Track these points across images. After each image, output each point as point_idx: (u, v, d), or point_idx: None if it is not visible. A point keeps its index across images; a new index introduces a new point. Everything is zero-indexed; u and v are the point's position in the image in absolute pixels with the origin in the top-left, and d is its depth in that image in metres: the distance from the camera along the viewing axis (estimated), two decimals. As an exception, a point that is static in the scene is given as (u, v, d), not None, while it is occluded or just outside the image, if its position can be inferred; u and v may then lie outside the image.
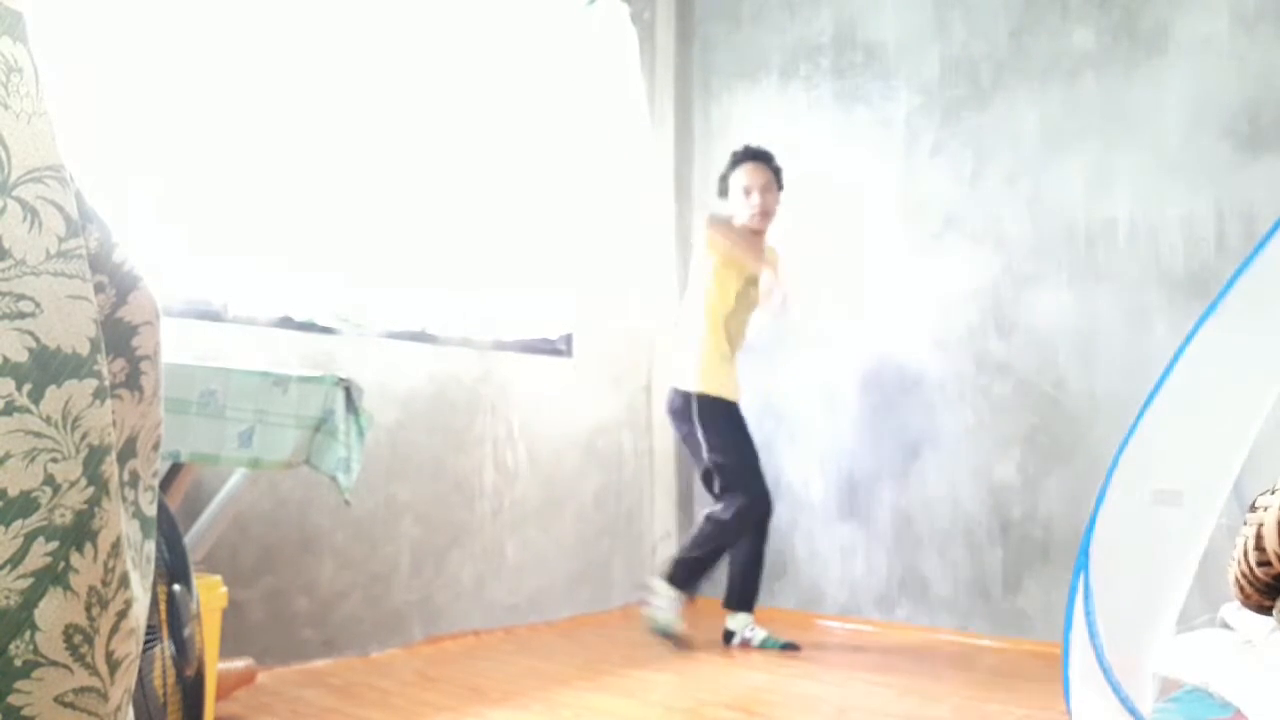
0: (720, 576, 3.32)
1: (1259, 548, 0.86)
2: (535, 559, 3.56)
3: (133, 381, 0.68)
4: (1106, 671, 1.72)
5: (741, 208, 3.31)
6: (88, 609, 0.57)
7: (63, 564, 0.56)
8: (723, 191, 3.40)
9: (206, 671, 1.45)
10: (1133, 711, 1.63)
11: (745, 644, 3.19)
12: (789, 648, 3.14)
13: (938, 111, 3.57)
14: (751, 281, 3.27)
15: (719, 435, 3.27)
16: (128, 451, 0.68)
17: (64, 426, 0.56)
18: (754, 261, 3.23)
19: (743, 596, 3.25)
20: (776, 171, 3.36)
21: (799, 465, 3.81)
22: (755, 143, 3.44)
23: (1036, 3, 3.37)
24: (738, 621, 3.24)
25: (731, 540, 3.22)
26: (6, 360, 0.54)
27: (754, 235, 3.31)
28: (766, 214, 3.31)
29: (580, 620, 3.53)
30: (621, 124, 4.08)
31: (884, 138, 3.69)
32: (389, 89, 3.25)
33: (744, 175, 3.32)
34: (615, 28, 4.08)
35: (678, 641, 3.13)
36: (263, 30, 2.91)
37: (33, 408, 0.55)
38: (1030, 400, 3.30)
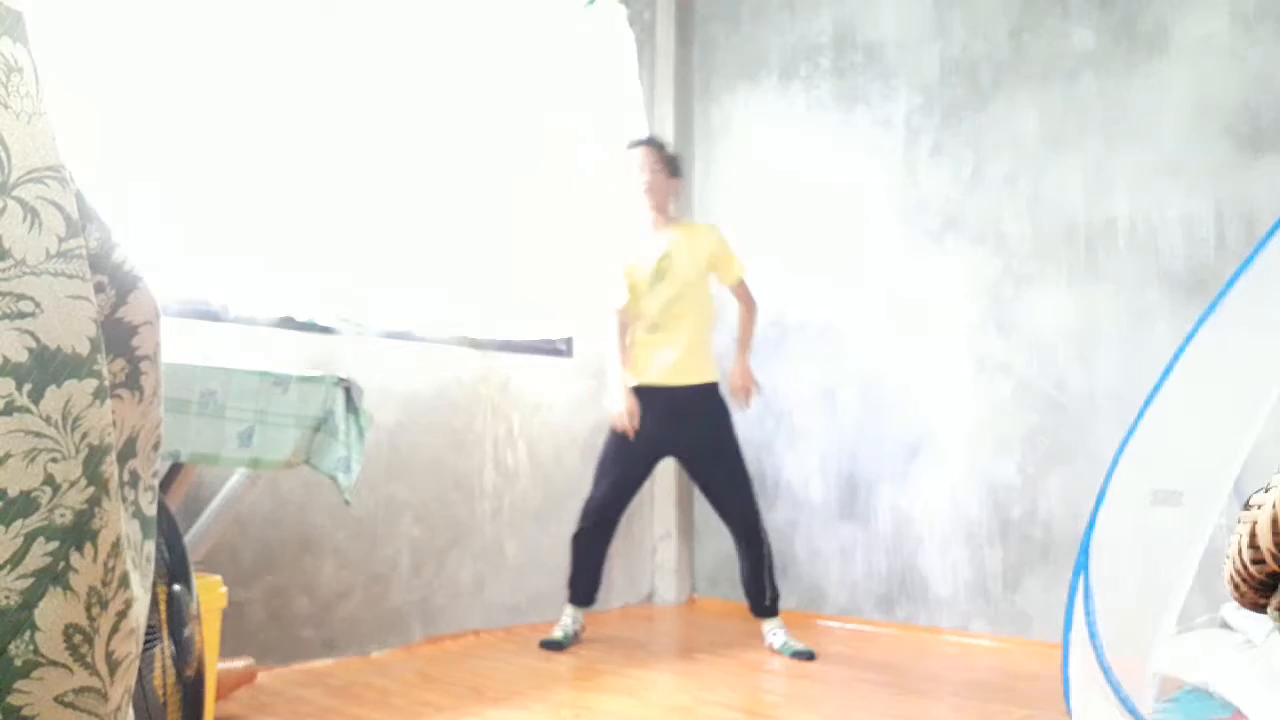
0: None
1: (1253, 545, 0.86)
2: (535, 559, 3.56)
3: (133, 381, 0.68)
4: (1106, 671, 1.72)
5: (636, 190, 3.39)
6: (88, 609, 0.57)
7: (63, 564, 0.56)
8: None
9: (206, 671, 1.45)
10: (1133, 711, 1.63)
11: (770, 646, 3.16)
12: (801, 655, 3.05)
13: (938, 111, 3.57)
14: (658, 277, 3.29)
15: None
16: (128, 451, 0.68)
17: (64, 426, 0.56)
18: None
19: (756, 603, 3.22)
20: (657, 154, 3.36)
21: (799, 465, 3.81)
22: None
23: (1036, 3, 3.37)
24: (765, 626, 3.22)
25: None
26: (6, 360, 0.54)
27: (654, 216, 3.36)
28: (648, 189, 3.32)
29: (580, 620, 3.53)
30: (620, 124, 4.08)
31: (884, 138, 3.69)
32: (389, 90, 3.25)
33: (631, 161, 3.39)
34: (613, 28, 4.08)
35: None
36: (265, 31, 2.91)
37: (33, 408, 0.55)
38: (1030, 400, 3.30)
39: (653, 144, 3.41)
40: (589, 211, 3.93)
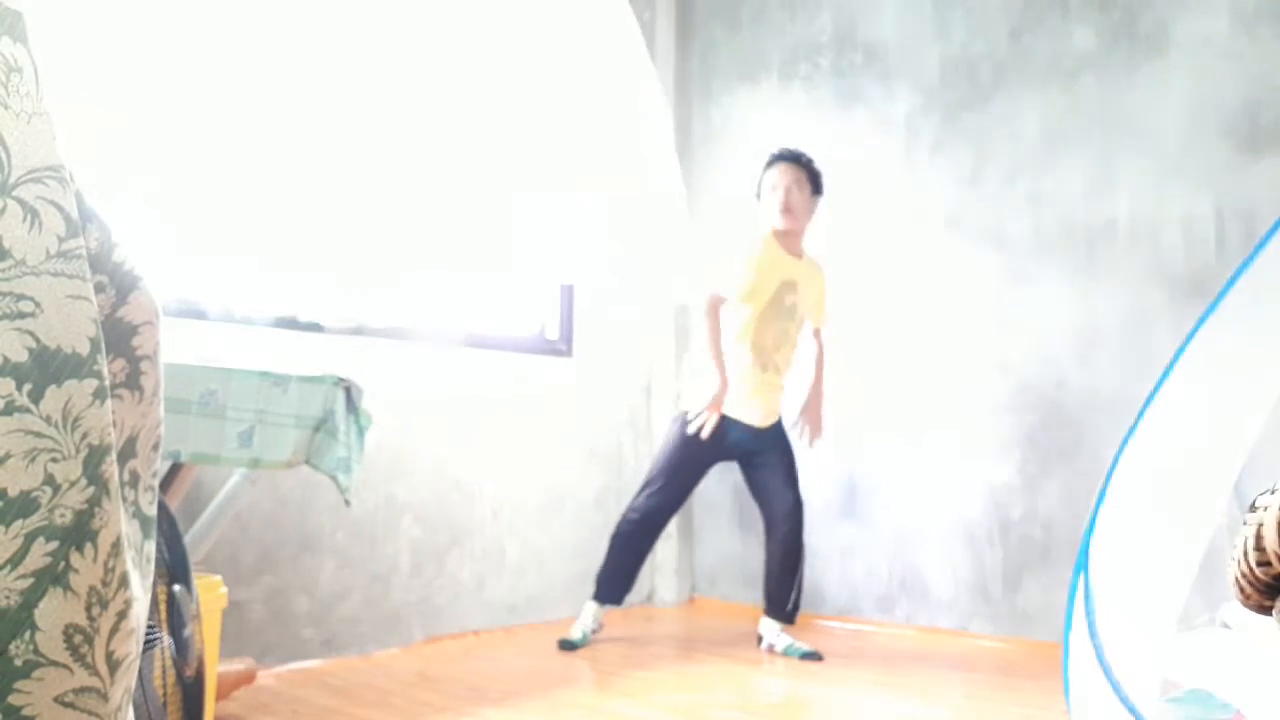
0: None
1: (1259, 548, 0.86)
2: (535, 559, 3.56)
3: (133, 381, 0.68)
4: (1106, 671, 1.72)
5: (767, 207, 3.25)
6: (88, 609, 0.57)
7: (63, 564, 0.56)
8: (757, 195, 3.33)
9: (206, 671, 1.46)
10: (1133, 711, 1.63)
11: (770, 649, 3.15)
12: (810, 657, 3.03)
13: (938, 111, 3.57)
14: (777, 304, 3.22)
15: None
16: (128, 451, 0.68)
17: (64, 426, 0.56)
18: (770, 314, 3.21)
19: (776, 606, 3.20)
20: (810, 172, 3.26)
21: (799, 465, 3.80)
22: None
23: (1036, 3, 3.37)
24: (766, 628, 3.20)
25: None
26: (6, 360, 0.54)
27: (784, 236, 3.24)
28: (788, 210, 3.20)
29: (580, 620, 3.54)
30: (625, 118, 4.07)
31: (884, 138, 3.69)
32: (389, 90, 3.25)
33: (771, 175, 3.26)
34: (614, 16, 4.08)
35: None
36: (264, 31, 2.91)
37: (33, 408, 0.55)
38: (1030, 400, 3.30)
39: (799, 160, 3.25)
40: (589, 211, 3.92)
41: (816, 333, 3.39)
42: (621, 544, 3.26)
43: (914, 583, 3.50)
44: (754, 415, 3.23)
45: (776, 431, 3.29)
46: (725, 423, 3.20)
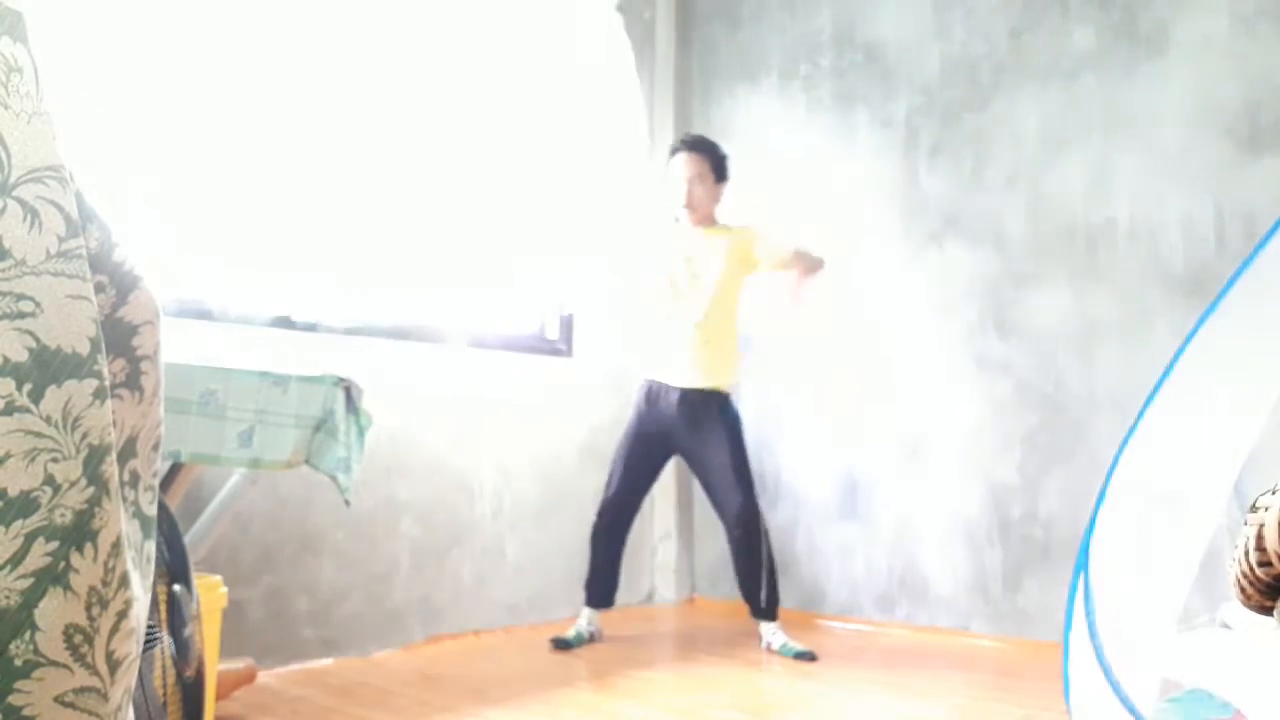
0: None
1: (1260, 548, 0.86)
2: (535, 559, 3.56)
3: (133, 381, 0.68)
4: (1106, 671, 1.72)
5: (673, 198, 3.30)
6: (88, 609, 0.57)
7: (63, 564, 0.56)
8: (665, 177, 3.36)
9: (206, 671, 1.45)
10: (1133, 711, 1.63)
11: (769, 648, 3.14)
12: (803, 656, 3.03)
13: (938, 111, 3.57)
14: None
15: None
16: (128, 451, 0.68)
17: (64, 426, 0.56)
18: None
19: (753, 605, 3.21)
20: (713, 159, 3.29)
21: (799, 465, 3.81)
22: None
23: (1036, 3, 3.37)
24: (763, 628, 3.20)
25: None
26: (6, 360, 0.54)
27: (692, 227, 3.29)
28: (690, 206, 3.25)
29: (580, 620, 3.54)
30: (618, 121, 4.07)
31: (884, 138, 3.69)
32: (387, 89, 3.25)
33: (674, 167, 3.30)
34: (608, 24, 4.08)
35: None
36: (264, 31, 2.91)
37: (33, 408, 0.55)
38: (1030, 400, 3.30)
39: (699, 148, 3.29)
40: (588, 210, 3.92)
41: (789, 267, 3.27)
42: (595, 543, 3.29)
43: (914, 582, 3.50)
44: (683, 374, 3.21)
45: (719, 406, 3.23)
46: (658, 387, 3.24)
